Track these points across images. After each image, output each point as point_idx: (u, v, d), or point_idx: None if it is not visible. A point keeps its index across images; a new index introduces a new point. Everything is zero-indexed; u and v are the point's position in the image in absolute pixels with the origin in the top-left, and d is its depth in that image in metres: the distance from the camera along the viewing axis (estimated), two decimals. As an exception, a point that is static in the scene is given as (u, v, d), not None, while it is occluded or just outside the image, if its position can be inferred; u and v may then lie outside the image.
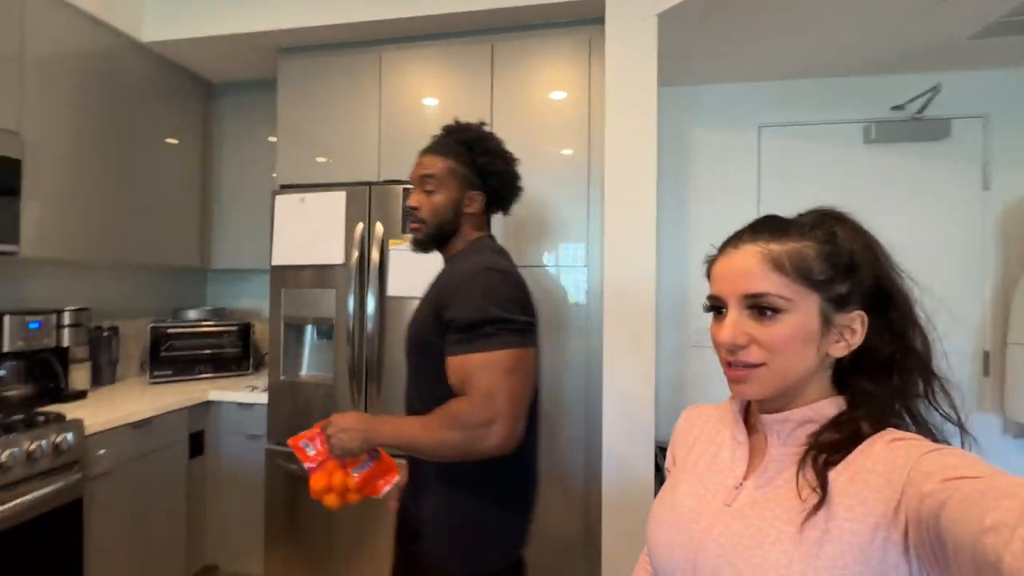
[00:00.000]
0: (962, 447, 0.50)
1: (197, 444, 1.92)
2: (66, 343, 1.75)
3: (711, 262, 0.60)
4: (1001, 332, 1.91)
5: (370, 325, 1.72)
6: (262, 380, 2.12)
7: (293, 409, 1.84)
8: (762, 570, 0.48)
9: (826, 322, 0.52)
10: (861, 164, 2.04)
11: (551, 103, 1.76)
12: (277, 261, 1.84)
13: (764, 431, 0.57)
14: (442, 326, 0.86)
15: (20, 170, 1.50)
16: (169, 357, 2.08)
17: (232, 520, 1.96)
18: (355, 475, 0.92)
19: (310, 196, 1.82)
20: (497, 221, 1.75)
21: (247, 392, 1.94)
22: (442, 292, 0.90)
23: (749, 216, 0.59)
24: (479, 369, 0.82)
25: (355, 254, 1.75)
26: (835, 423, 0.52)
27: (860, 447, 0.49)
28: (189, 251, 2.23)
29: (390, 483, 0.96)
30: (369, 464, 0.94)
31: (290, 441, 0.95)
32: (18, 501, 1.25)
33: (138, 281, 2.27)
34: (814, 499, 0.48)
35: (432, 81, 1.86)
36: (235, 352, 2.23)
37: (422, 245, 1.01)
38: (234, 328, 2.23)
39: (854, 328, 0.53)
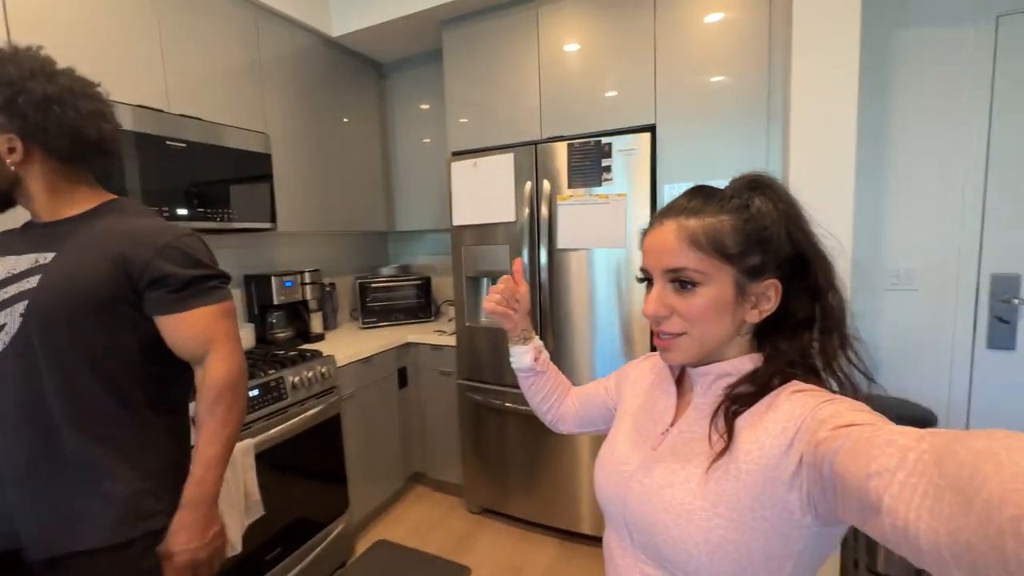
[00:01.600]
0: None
1: (403, 378, 2.33)
2: (308, 297, 2.23)
3: (643, 235, 0.63)
4: None
5: (544, 276, 1.88)
6: (445, 326, 2.46)
7: (474, 350, 2.13)
8: (672, 506, 0.55)
9: (741, 291, 0.56)
10: None
11: (722, 26, 1.62)
12: (457, 222, 2.07)
13: (691, 383, 0.64)
14: (131, 289, 0.81)
15: (270, 163, 1.89)
16: (373, 307, 2.51)
17: (433, 438, 2.39)
18: None
19: (481, 160, 1.98)
20: (682, 159, 1.75)
21: (437, 336, 2.29)
22: (126, 252, 0.80)
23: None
24: (220, 319, 0.87)
25: (525, 211, 1.88)
26: (750, 377, 0.57)
27: (766, 398, 0.55)
28: (378, 217, 2.61)
29: None
30: None
31: None
32: (304, 415, 1.69)
33: (342, 245, 2.73)
34: (720, 445, 0.54)
35: (588, 29, 1.83)
36: (420, 302, 2.61)
37: None
38: (419, 281, 2.60)
39: (768, 296, 0.57)
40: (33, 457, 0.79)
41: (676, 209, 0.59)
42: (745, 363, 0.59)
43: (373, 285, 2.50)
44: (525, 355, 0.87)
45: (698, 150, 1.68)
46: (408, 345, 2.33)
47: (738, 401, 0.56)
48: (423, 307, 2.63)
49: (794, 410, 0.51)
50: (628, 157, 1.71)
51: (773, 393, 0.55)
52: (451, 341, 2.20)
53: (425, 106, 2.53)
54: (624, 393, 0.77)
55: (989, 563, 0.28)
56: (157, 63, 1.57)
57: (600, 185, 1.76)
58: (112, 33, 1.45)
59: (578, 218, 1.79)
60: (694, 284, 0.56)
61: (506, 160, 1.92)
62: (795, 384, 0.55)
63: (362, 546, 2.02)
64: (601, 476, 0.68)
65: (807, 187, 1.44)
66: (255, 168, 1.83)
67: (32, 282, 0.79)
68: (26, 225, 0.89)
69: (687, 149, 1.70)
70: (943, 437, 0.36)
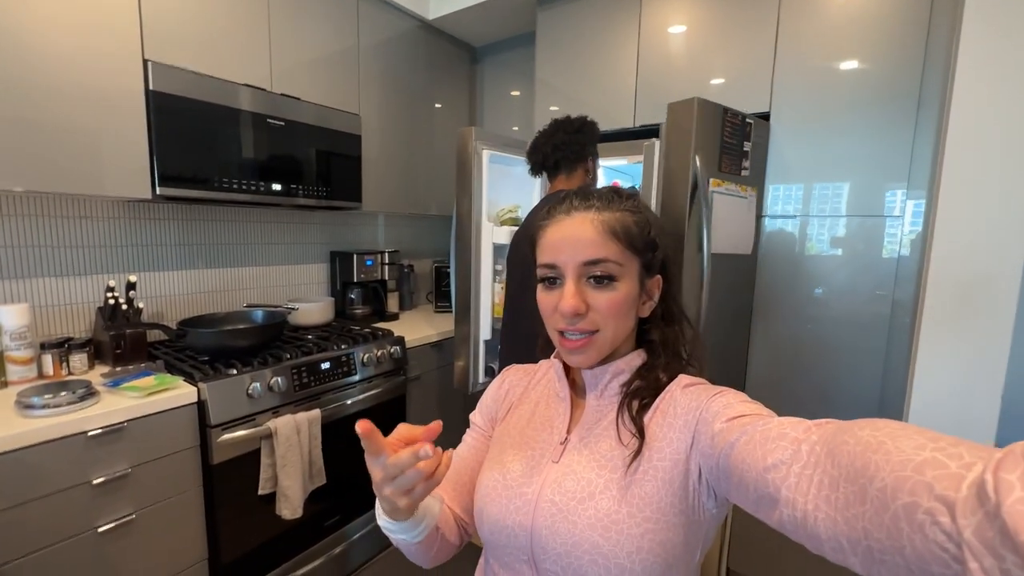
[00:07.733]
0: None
1: (469, 365, 2.32)
2: (386, 276, 2.29)
3: (539, 230, 0.59)
4: None
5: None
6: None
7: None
8: (597, 520, 0.51)
9: (641, 286, 0.58)
10: None
11: (873, 2, 1.37)
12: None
13: (583, 386, 0.62)
14: None
15: (360, 144, 1.94)
16: (447, 292, 2.53)
17: (493, 430, 2.35)
18: None
19: (566, 148, 1.88)
20: (797, 155, 1.49)
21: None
22: None
23: None
24: None
25: (608, 205, 1.76)
26: (640, 372, 0.59)
27: (663, 395, 0.56)
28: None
29: None
30: None
31: None
32: (371, 392, 1.73)
33: (422, 229, 2.78)
34: (635, 444, 0.54)
35: (697, 8, 1.65)
36: (493, 291, 2.58)
37: None
38: (493, 270, 2.57)
39: (653, 292, 0.60)
40: None
41: (578, 205, 0.57)
42: (636, 359, 0.60)
43: (447, 271, 2.51)
44: (425, 520, 0.56)
45: (819, 144, 1.45)
46: (477, 333, 2.31)
47: (638, 395, 0.57)
48: (496, 296, 2.60)
49: (690, 404, 0.53)
50: (732, 150, 1.52)
51: (667, 390, 0.57)
52: (520, 334, 2.14)
53: (516, 92, 2.46)
54: (498, 414, 0.70)
55: (885, 548, 0.29)
56: (264, 45, 1.65)
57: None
58: (227, 16, 1.55)
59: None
60: (612, 277, 0.55)
61: (593, 149, 1.80)
62: (684, 379, 0.57)
63: (416, 526, 2.05)
64: (493, 506, 0.58)
65: (969, 186, 1.18)
66: (345, 148, 1.89)
67: None
68: None
69: (807, 142, 1.47)
70: (830, 427, 0.37)
